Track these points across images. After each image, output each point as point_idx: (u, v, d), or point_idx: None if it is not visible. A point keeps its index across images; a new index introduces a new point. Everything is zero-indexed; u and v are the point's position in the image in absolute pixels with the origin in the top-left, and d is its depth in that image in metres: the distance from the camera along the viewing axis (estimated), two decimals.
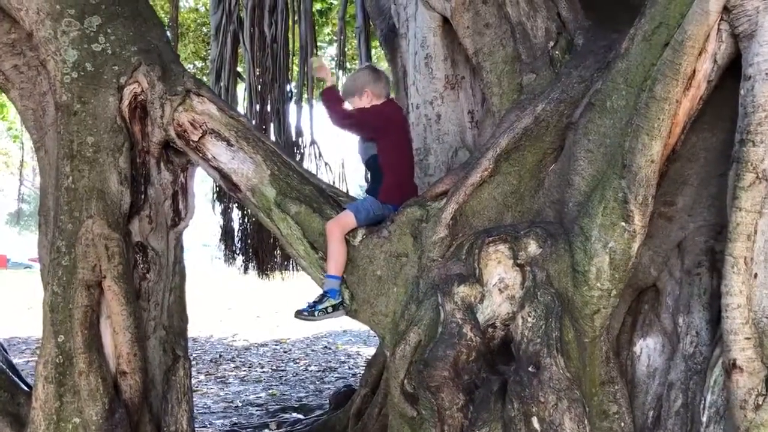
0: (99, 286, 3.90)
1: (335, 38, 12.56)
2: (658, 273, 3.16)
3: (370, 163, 3.85)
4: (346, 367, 10.45)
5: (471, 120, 4.64)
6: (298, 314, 3.66)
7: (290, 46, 8.20)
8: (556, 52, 3.88)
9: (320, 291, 3.69)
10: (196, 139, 4.12)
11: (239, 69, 8.88)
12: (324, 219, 3.77)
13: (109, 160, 3.98)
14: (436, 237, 3.44)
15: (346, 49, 8.18)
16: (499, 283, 3.29)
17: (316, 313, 3.61)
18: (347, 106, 3.95)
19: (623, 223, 2.88)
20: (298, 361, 10.90)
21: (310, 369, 10.23)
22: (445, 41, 4.67)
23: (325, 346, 12.36)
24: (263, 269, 8.70)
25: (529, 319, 3.00)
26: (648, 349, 3.23)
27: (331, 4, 11.64)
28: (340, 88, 4.28)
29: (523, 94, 3.77)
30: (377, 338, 13.32)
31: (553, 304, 2.95)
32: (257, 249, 8.51)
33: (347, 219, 3.69)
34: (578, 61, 3.51)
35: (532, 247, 3.16)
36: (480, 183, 3.48)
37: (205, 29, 12.61)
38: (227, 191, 4.19)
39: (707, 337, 3.04)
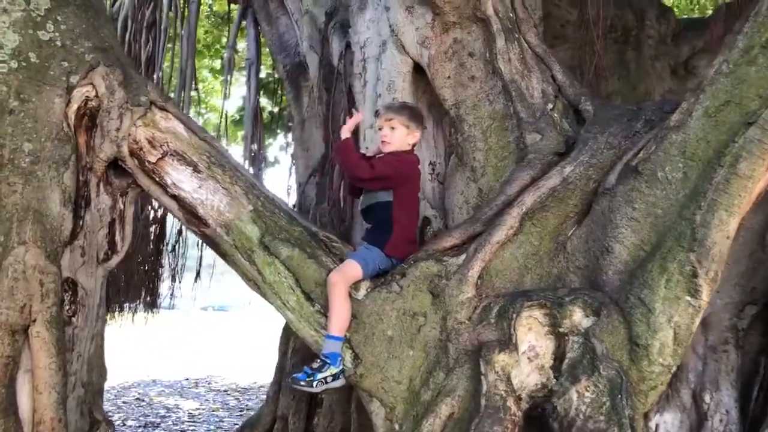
0: (24, 332, 3.07)
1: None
2: None
3: (379, 210, 3.44)
4: (170, 423, 9.50)
5: (432, 171, 4.43)
6: (295, 383, 3.11)
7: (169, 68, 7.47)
8: (555, 115, 3.84)
9: (321, 354, 3.19)
10: (153, 160, 3.48)
11: None
12: (320, 266, 3.32)
13: (51, 174, 3.21)
14: (463, 297, 3.16)
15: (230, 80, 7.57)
16: (529, 351, 3.07)
17: (314, 383, 3.10)
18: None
19: (689, 297, 2.83)
20: (110, 414, 9.70)
21: (128, 425, 9.16)
22: (412, 88, 4.45)
23: (137, 398, 11.17)
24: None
25: (587, 394, 2.81)
26: (666, 424, 3.19)
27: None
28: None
29: (531, 153, 3.66)
30: (194, 390, 12.24)
31: (618, 379, 2.79)
32: None
33: (354, 271, 3.26)
34: (602, 127, 3.49)
35: (577, 316, 3.00)
36: (505, 242, 3.28)
37: None
38: (186, 225, 3.56)
39: (736, 416, 3.07)
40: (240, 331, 26.69)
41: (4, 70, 3.18)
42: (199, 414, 10.01)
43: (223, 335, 24.10)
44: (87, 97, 3.35)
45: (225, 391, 12.04)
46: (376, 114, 3.70)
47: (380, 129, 3.58)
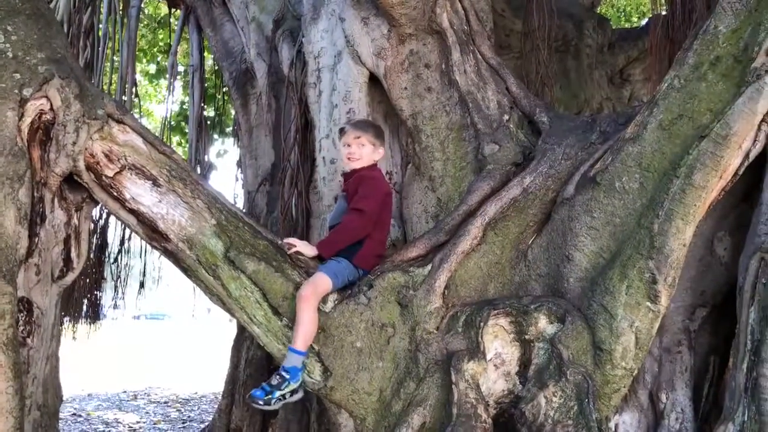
0: None
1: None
2: None
3: None
4: None
5: (389, 180, 4.47)
6: (253, 401, 3.05)
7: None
8: (511, 126, 3.94)
9: (281, 368, 3.14)
10: (110, 174, 3.40)
11: None
12: (287, 280, 3.30)
13: (6, 191, 3.09)
14: (431, 307, 3.21)
15: (173, 87, 7.43)
16: (495, 358, 3.15)
17: (273, 401, 3.06)
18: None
19: (648, 303, 2.96)
20: None
21: None
22: (368, 98, 4.48)
23: (73, 414, 10.81)
24: None
25: (555, 399, 2.90)
26: (625, 424, 3.32)
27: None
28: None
29: (490, 164, 3.74)
30: (133, 403, 11.97)
31: (585, 384, 2.89)
32: None
33: (325, 285, 3.25)
34: (559, 139, 3.59)
35: (542, 323, 3.10)
36: (469, 251, 3.35)
37: None
38: (146, 240, 3.48)
39: (691, 414, 3.22)
40: (175, 341, 26.15)
41: None
42: (140, 428, 9.77)
43: (158, 345, 23.59)
44: (41, 110, 3.24)
45: (165, 402, 11.78)
46: (341, 131, 3.73)
47: (347, 146, 3.59)
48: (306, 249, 3.46)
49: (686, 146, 3.00)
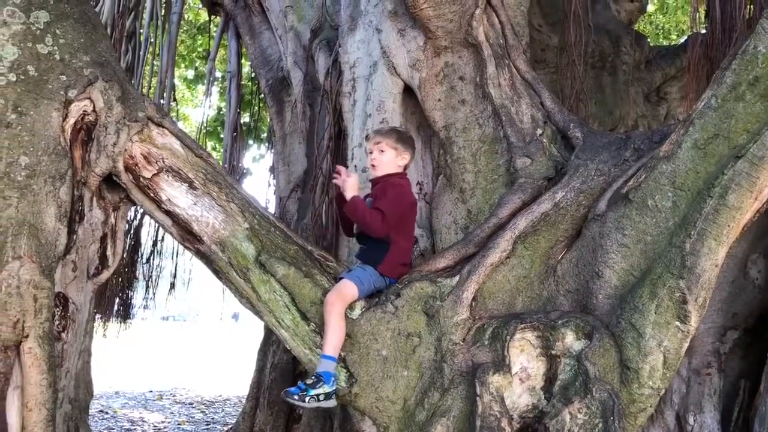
0: (16, 348, 3.03)
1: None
2: None
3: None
4: None
5: (419, 191, 4.50)
6: (288, 396, 3.11)
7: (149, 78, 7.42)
8: (544, 140, 3.94)
9: (315, 373, 3.18)
10: (148, 176, 3.48)
11: None
12: (316, 285, 3.34)
13: (48, 189, 3.18)
14: (457, 318, 3.22)
15: (210, 90, 7.56)
16: (521, 372, 3.15)
17: (307, 398, 3.09)
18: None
19: (678, 323, 2.93)
20: None
21: None
22: (402, 108, 4.52)
23: (101, 411, 10.95)
24: None
25: (580, 416, 2.88)
26: None
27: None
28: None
29: (521, 177, 3.75)
30: (158, 403, 12.06)
31: (611, 401, 2.87)
32: None
33: (350, 291, 3.28)
34: (592, 154, 3.59)
35: (569, 339, 3.09)
36: (498, 264, 3.35)
37: None
38: (180, 241, 3.55)
39: None
40: (202, 342, 26.39)
41: (3, 83, 3.14)
42: (165, 427, 9.87)
43: (186, 346, 23.83)
44: (84, 111, 3.33)
45: (190, 403, 11.88)
46: (367, 138, 3.76)
47: (370, 152, 3.62)
48: (349, 187, 3.43)
49: (721, 166, 2.97)
